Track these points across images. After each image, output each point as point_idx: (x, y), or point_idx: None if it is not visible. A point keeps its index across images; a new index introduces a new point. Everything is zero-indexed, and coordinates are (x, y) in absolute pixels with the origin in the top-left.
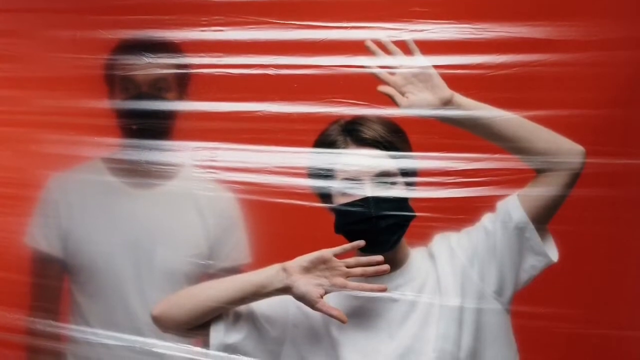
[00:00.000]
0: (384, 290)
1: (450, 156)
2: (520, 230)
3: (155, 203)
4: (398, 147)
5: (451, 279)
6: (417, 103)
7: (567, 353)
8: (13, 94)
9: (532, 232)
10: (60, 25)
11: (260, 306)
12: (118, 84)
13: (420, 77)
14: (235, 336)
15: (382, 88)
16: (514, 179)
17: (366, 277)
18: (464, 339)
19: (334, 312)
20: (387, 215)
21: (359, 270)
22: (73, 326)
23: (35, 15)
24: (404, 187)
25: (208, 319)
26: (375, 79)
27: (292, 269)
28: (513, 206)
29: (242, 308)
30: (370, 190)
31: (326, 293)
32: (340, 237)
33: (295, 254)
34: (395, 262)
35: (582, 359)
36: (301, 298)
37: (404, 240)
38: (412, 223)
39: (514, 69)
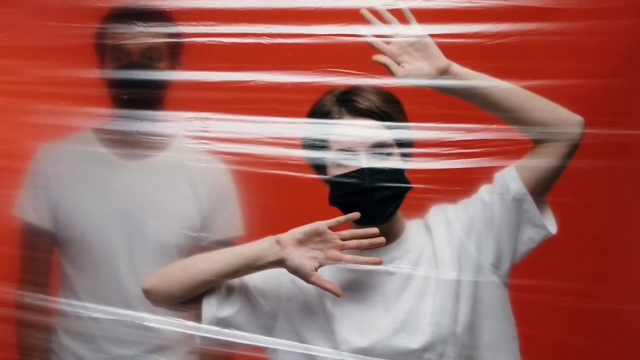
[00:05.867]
0: (379, 263)
1: (446, 127)
2: (518, 201)
3: (146, 174)
4: (394, 117)
5: (448, 252)
6: (413, 73)
7: (566, 326)
8: (1, 64)
9: (530, 204)
10: None
11: (253, 279)
12: (109, 53)
13: (416, 46)
14: (228, 310)
15: (378, 57)
16: (512, 150)
17: (361, 249)
18: (461, 312)
19: (329, 286)
20: (382, 186)
21: (354, 242)
22: (63, 299)
23: None
24: (400, 158)
25: (200, 293)
26: (371, 48)
27: (286, 242)
28: (511, 177)
29: (235, 281)
30: (365, 161)
31: (320, 266)
32: (335, 209)
33: (289, 226)
34: (391, 235)
35: (581, 333)
36: (295, 271)
37: (399, 212)
38: (408, 195)
39: (512, 37)
